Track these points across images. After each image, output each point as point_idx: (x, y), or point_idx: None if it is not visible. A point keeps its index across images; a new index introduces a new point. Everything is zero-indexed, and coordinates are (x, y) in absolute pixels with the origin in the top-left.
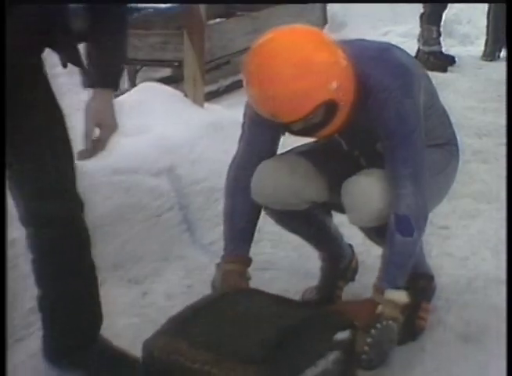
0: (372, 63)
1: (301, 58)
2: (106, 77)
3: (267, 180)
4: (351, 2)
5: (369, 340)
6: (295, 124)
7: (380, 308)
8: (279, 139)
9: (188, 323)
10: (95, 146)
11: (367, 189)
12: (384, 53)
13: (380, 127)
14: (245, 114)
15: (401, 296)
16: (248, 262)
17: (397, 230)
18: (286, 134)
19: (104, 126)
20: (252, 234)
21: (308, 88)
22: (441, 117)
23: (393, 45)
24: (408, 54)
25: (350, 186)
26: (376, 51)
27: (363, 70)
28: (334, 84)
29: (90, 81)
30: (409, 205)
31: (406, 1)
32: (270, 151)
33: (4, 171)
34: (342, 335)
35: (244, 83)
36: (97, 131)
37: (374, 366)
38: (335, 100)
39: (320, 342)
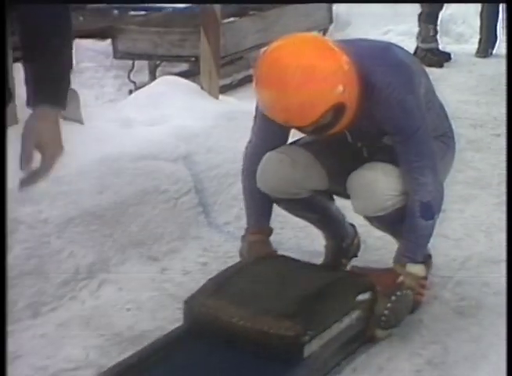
0: (374, 61)
1: (307, 66)
2: (47, 94)
3: (270, 172)
4: (355, 2)
5: (389, 305)
6: (306, 127)
7: (401, 278)
8: (289, 131)
9: (225, 284)
10: (36, 172)
11: (372, 183)
12: (384, 52)
13: (388, 123)
14: (257, 107)
15: (419, 270)
16: (269, 231)
17: (421, 216)
18: None
19: (46, 149)
20: (270, 208)
21: (315, 95)
22: (439, 110)
23: (393, 44)
24: (407, 52)
25: (355, 179)
26: (377, 50)
27: (366, 69)
28: (340, 88)
29: (29, 100)
30: (431, 192)
31: (409, 1)
32: (280, 141)
33: (4, 170)
34: (364, 296)
35: (256, 92)
36: (38, 155)
37: (391, 326)
38: (342, 102)
39: (345, 301)
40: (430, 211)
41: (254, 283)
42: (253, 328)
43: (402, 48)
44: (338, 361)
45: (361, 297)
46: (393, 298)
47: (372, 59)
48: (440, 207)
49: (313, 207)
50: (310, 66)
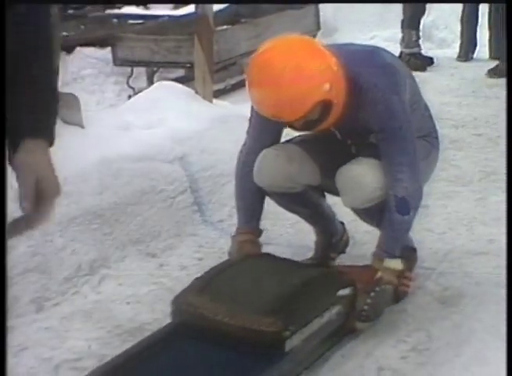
0: (361, 63)
1: (296, 65)
2: (34, 126)
3: (267, 167)
4: (344, 2)
5: (368, 300)
6: (295, 122)
7: (379, 274)
8: (281, 130)
9: (210, 283)
10: (35, 214)
11: (359, 176)
12: (371, 55)
13: (373, 122)
14: (252, 109)
15: (397, 264)
16: (259, 232)
17: (396, 211)
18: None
19: (45, 189)
20: (261, 209)
21: (303, 91)
22: (423, 111)
23: (379, 48)
24: (393, 55)
25: (344, 173)
26: (364, 53)
27: (354, 71)
28: (327, 86)
29: (18, 132)
30: (407, 188)
31: (408, 0)
32: (273, 141)
33: (4, 170)
34: (344, 292)
35: (247, 89)
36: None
37: (371, 320)
38: (329, 100)
39: (325, 297)
40: (406, 206)
41: (238, 281)
42: (236, 325)
43: (388, 52)
44: (320, 354)
45: (341, 292)
46: (372, 294)
47: (359, 61)
48: (417, 203)
49: (306, 202)
50: (299, 64)
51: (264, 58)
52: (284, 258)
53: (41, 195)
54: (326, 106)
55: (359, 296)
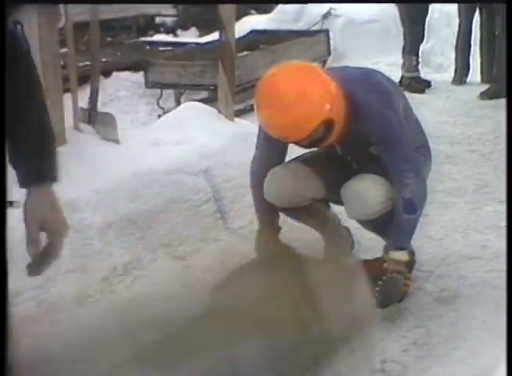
0: (357, 83)
1: (299, 90)
2: (37, 173)
3: (275, 185)
4: (352, 3)
5: (377, 288)
6: (302, 141)
7: (385, 264)
8: (287, 146)
9: None
10: (45, 256)
11: (363, 192)
12: (365, 75)
13: (372, 135)
14: (259, 127)
15: (402, 255)
16: (278, 229)
17: (404, 211)
18: None
19: (51, 229)
20: (277, 211)
21: (307, 113)
22: (415, 126)
23: (373, 70)
24: (385, 76)
25: (349, 189)
26: (360, 74)
27: (351, 89)
28: (328, 107)
29: (20, 181)
30: (413, 190)
31: (408, 0)
32: (280, 156)
33: (4, 170)
34: None
35: (256, 112)
36: (44, 237)
37: (383, 306)
38: (331, 118)
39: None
40: (413, 206)
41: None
42: None
43: (381, 74)
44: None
45: None
46: (380, 282)
47: (355, 81)
48: (423, 203)
49: (312, 214)
50: (301, 89)
51: (269, 83)
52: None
53: (48, 236)
54: (328, 124)
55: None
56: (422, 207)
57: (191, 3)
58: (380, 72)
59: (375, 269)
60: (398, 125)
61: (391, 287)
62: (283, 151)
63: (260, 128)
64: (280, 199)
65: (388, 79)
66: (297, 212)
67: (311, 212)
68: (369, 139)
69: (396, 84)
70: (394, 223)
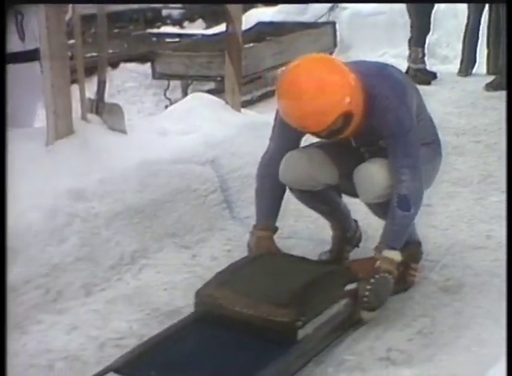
0: (375, 78)
1: (319, 82)
2: None
3: (291, 167)
4: (354, 2)
5: (368, 287)
6: (321, 132)
7: (378, 263)
8: (301, 138)
9: (231, 277)
10: None
11: (373, 174)
12: (383, 71)
13: (383, 128)
14: (275, 119)
15: (395, 255)
16: (275, 230)
17: (398, 207)
18: None
19: None
20: (278, 209)
21: (327, 105)
22: (428, 123)
23: (389, 65)
24: (401, 71)
25: (360, 171)
26: (377, 69)
27: (368, 84)
28: (348, 99)
29: None
30: (408, 187)
31: (411, 0)
32: (294, 148)
33: (4, 171)
34: (351, 286)
35: (278, 104)
36: None
37: (373, 307)
38: (350, 111)
39: (334, 291)
40: (407, 203)
41: (256, 276)
42: (253, 315)
43: (397, 69)
44: (328, 343)
45: (349, 287)
46: (372, 280)
47: (373, 76)
48: (418, 201)
49: (325, 200)
50: (322, 81)
51: (291, 74)
52: (298, 256)
53: None
54: (347, 116)
55: (361, 284)
56: (417, 206)
57: (193, 3)
58: (393, 66)
59: (367, 267)
60: (409, 122)
61: (383, 287)
62: (298, 143)
63: (276, 120)
64: (295, 181)
65: (402, 73)
66: (310, 196)
67: (323, 198)
68: (380, 132)
69: (410, 79)
70: (388, 219)
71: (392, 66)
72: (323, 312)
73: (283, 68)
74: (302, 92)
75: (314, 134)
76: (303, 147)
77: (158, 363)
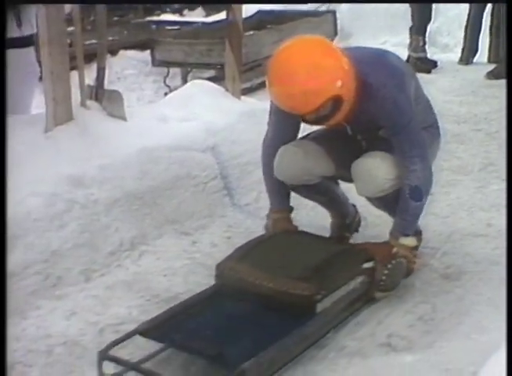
0: (371, 65)
1: (311, 63)
2: None
3: (285, 162)
4: (353, 3)
5: (386, 271)
6: (309, 116)
7: (395, 249)
8: (299, 125)
9: (250, 252)
10: None
11: (373, 169)
12: (380, 57)
13: (383, 118)
14: (271, 105)
15: (411, 241)
16: (290, 209)
17: (410, 198)
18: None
19: None
20: (289, 191)
21: (317, 87)
22: (426, 105)
23: (386, 50)
24: (398, 57)
25: (358, 166)
26: (374, 55)
27: (364, 71)
28: (339, 83)
29: None
30: (419, 177)
31: (412, 1)
32: (292, 133)
33: (4, 171)
34: (367, 265)
35: (267, 84)
36: None
37: (388, 289)
38: (340, 96)
39: (351, 269)
40: (419, 193)
41: (275, 251)
42: (274, 288)
43: (393, 54)
44: (345, 316)
45: (365, 265)
46: (389, 265)
47: (369, 63)
48: (428, 190)
49: (322, 191)
50: (314, 62)
51: (283, 56)
52: (315, 234)
53: None
54: (336, 101)
55: (378, 268)
56: (428, 194)
57: (195, 3)
58: (391, 52)
59: (384, 252)
60: (409, 110)
61: (399, 271)
62: (295, 129)
63: (271, 105)
64: (290, 177)
65: (400, 59)
66: (307, 190)
67: (320, 190)
68: (379, 121)
69: (407, 64)
70: (401, 209)
71: (389, 51)
72: (341, 287)
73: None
74: (293, 72)
75: (302, 118)
76: (296, 141)
77: (181, 329)
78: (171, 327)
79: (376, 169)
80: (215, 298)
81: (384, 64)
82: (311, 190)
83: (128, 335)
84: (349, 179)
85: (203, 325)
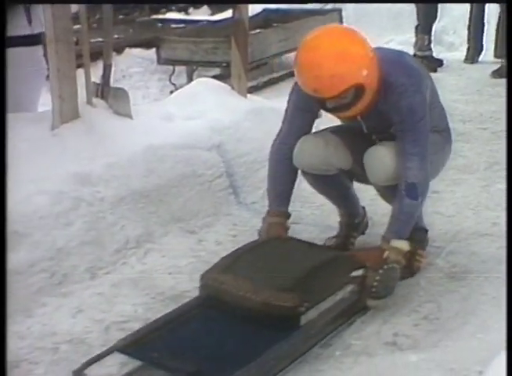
0: (392, 64)
1: (339, 50)
2: None
3: (306, 150)
4: (356, 2)
5: (377, 277)
6: (330, 102)
7: (386, 253)
8: (313, 122)
9: (235, 261)
10: None
11: (383, 156)
12: (399, 58)
13: (395, 115)
14: (289, 101)
15: (403, 245)
16: (288, 216)
17: (406, 195)
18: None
19: None
20: (290, 194)
21: (343, 72)
22: (440, 111)
23: (405, 52)
24: (415, 59)
25: (371, 153)
26: (395, 56)
27: (385, 70)
28: (364, 72)
29: None
30: (416, 175)
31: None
32: (306, 131)
33: (4, 171)
34: (356, 273)
35: (295, 68)
36: None
37: (380, 297)
38: (363, 85)
39: (340, 278)
40: (415, 191)
41: (260, 261)
42: (257, 300)
43: (410, 55)
44: (333, 329)
45: (354, 273)
46: (380, 271)
47: (389, 62)
48: (425, 192)
49: (337, 185)
50: (343, 48)
51: (312, 43)
52: (305, 241)
53: None
54: (359, 90)
55: (369, 274)
56: (423, 196)
57: (198, 3)
58: (408, 54)
59: (375, 257)
60: (422, 110)
61: (391, 277)
62: (310, 127)
63: (289, 102)
64: (310, 164)
65: (418, 62)
66: (322, 181)
67: (335, 183)
68: (391, 119)
69: (424, 67)
70: (396, 208)
71: (407, 53)
72: (328, 298)
73: (305, 37)
74: (323, 57)
75: (322, 106)
76: (318, 131)
77: (161, 346)
78: (150, 344)
79: (387, 156)
80: (197, 311)
81: (402, 64)
82: (327, 182)
83: (106, 353)
84: (363, 178)
85: (183, 340)
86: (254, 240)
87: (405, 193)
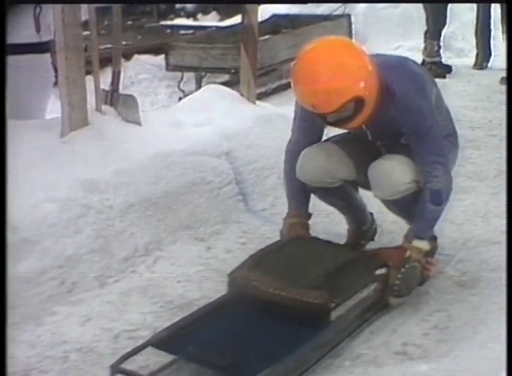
0: (394, 71)
1: (336, 63)
2: None
3: (308, 164)
4: (359, 2)
5: (399, 276)
6: (330, 116)
7: (408, 252)
8: (322, 130)
9: (263, 260)
10: None
11: (389, 171)
12: (402, 64)
13: (405, 125)
14: (295, 111)
15: (424, 244)
16: (308, 216)
17: (430, 201)
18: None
19: None
20: (309, 195)
21: (341, 86)
22: (446, 115)
23: (407, 58)
24: (419, 64)
25: (375, 168)
26: (396, 62)
27: (387, 77)
28: (362, 84)
29: None
30: (440, 182)
31: (417, 1)
32: (315, 138)
33: (4, 170)
34: (380, 271)
35: (292, 82)
36: None
37: (402, 295)
38: (362, 97)
39: (364, 276)
40: (440, 197)
41: (288, 259)
42: (287, 297)
43: (415, 62)
44: (359, 324)
45: (378, 272)
46: (402, 270)
47: (392, 70)
48: (448, 196)
49: (342, 196)
50: (339, 62)
51: (308, 55)
52: (329, 241)
53: None
54: (359, 103)
55: (391, 273)
56: (447, 200)
57: (200, 3)
58: (412, 60)
59: (397, 256)
60: (431, 117)
61: (412, 276)
62: (319, 136)
63: (296, 113)
64: (312, 179)
65: (421, 67)
66: (328, 193)
67: (340, 194)
68: (400, 128)
69: (427, 72)
70: (419, 212)
71: (410, 59)
72: (354, 295)
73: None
74: (318, 71)
75: (323, 118)
76: (319, 143)
77: (193, 340)
78: (183, 338)
79: (392, 171)
80: (227, 307)
81: (405, 71)
82: (332, 194)
83: (141, 347)
84: (368, 186)
85: (216, 335)
86: (278, 240)
87: (429, 199)
